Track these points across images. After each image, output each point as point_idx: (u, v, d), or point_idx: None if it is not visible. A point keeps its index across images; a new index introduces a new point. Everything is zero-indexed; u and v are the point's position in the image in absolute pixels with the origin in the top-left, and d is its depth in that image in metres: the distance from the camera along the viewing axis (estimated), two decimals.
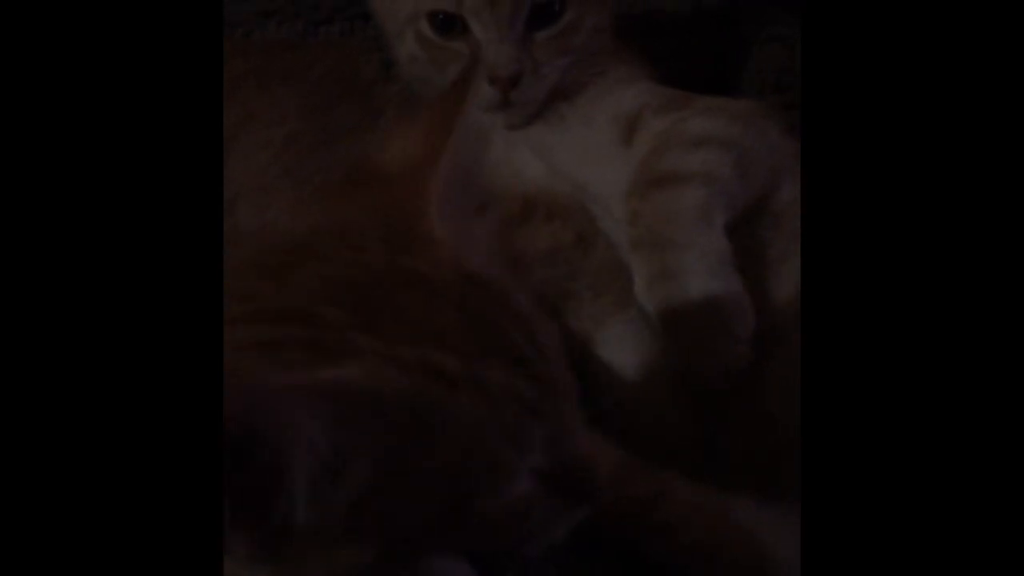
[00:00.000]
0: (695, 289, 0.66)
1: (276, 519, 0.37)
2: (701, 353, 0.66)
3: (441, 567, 0.42)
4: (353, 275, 0.41)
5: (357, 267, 0.42)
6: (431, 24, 0.75)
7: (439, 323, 0.40)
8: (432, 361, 0.39)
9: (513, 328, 0.42)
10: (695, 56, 0.90)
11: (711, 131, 0.73)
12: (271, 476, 0.36)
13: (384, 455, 0.38)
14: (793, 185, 0.74)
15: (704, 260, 0.66)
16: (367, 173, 0.48)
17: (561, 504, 0.43)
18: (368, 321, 0.39)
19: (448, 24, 0.74)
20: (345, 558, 0.39)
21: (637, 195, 0.70)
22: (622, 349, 0.71)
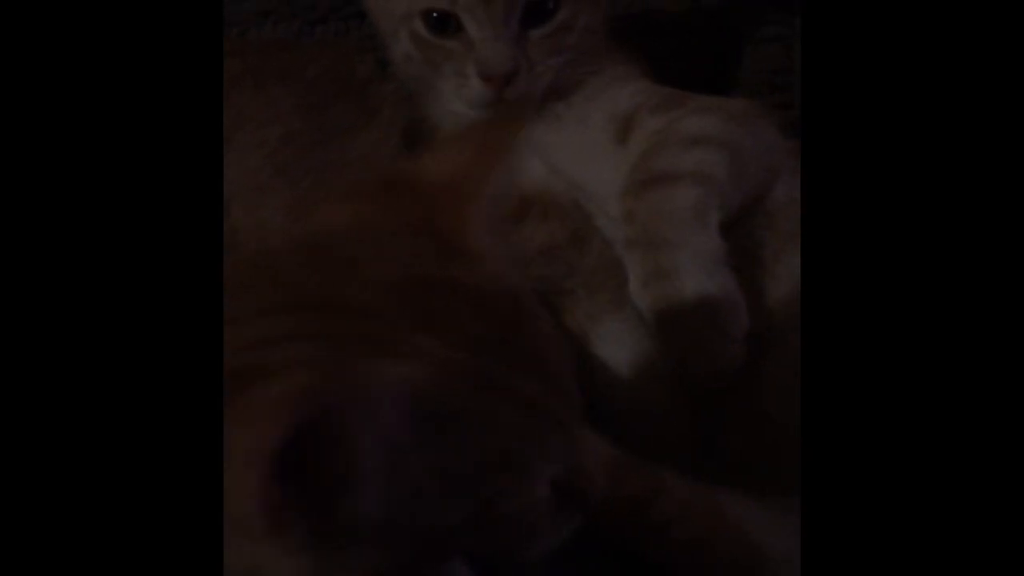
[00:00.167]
0: (689, 289, 0.66)
1: (340, 508, 0.37)
2: (695, 352, 0.66)
3: (448, 568, 0.43)
4: (410, 278, 0.42)
5: (413, 271, 0.42)
6: (425, 23, 0.75)
7: (485, 334, 0.41)
8: (480, 369, 0.40)
9: (542, 343, 0.43)
10: (691, 55, 0.91)
11: (706, 131, 0.73)
12: (342, 464, 0.36)
13: (432, 455, 0.38)
14: (788, 184, 0.74)
15: (698, 260, 0.66)
16: (405, 182, 0.48)
17: (563, 511, 0.44)
18: (425, 324, 0.40)
19: (442, 23, 0.74)
20: (379, 556, 0.39)
21: (632, 194, 0.70)
22: (618, 347, 0.71)
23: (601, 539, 0.58)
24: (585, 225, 0.74)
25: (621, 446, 0.61)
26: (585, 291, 0.72)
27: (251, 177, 0.74)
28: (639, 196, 0.70)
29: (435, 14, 0.74)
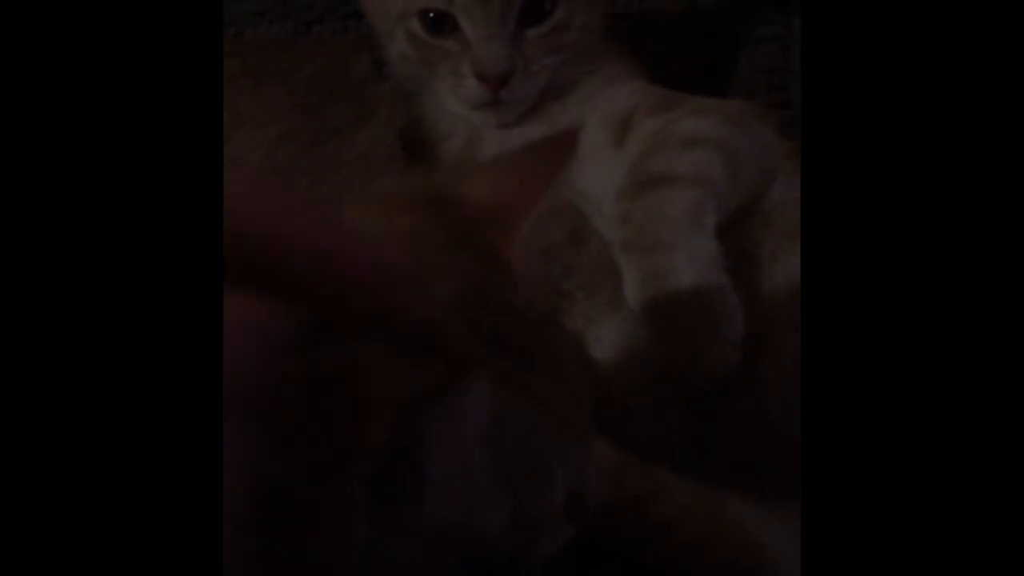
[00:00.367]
0: (684, 291, 0.66)
1: (411, 509, 0.37)
2: (690, 355, 0.66)
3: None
4: (468, 295, 0.41)
5: (470, 288, 0.42)
6: (422, 23, 0.75)
7: (526, 348, 0.41)
8: (524, 380, 0.40)
9: (570, 360, 0.44)
10: (688, 55, 0.91)
11: (703, 132, 0.73)
12: (415, 467, 0.37)
13: (489, 459, 0.39)
14: (785, 185, 0.74)
15: (694, 262, 0.66)
16: (452, 199, 0.47)
17: (566, 520, 0.44)
18: (482, 341, 0.40)
19: (439, 22, 0.74)
20: (426, 554, 0.39)
21: (628, 196, 0.70)
22: (615, 348, 0.71)
23: (601, 539, 0.58)
24: (583, 226, 0.74)
25: (619, 446, 0.61)
26: (583, 292, 0.73)
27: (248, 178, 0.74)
28: (635, 198, 0.70)
29: (432, 14, 0.74)
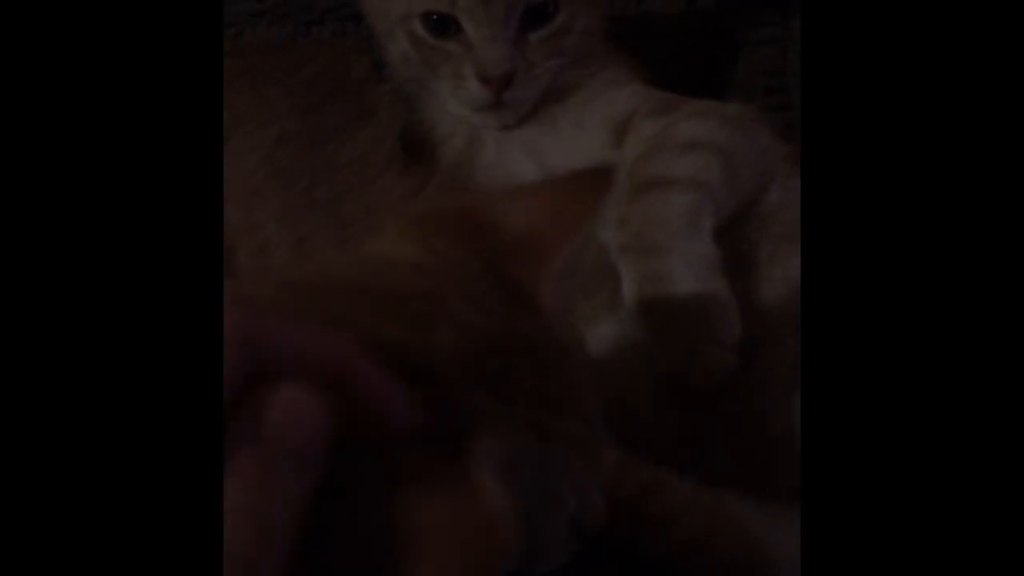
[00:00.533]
0: (681, 294, 0.66)
1: None
2: (687, 358, 0.66)
3: None
4: (480, 336, 0.41)
5: (482, 328, 0.42)
6: (424, 24, 0.75)
7: (544, 388, 0.41)
8: (541, 423, 0.40)
9: (582, 388, 0.44)
10: (687, 57, 0.91)
11: (700, 136, 0.73)
12: None
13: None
14: (782, 187, 0.75)
15: (691, 265, 0.67)
16: (477, 222, 0.47)
17: (569, 542, 0.45)
18: (491, 384, 0.40)
19: (442, 25, 0.74)
20: None
21: (626, 199, 0.70)
22: (614, 349, 0.71)
23: (601, 539, 0.58)
24: None
25: (618, 446, 0.61)
26: (581, 294, 0.73)
27: (247, 179, 0.74)
28: (633, 201, 0.70)
29: (434, 16, 0.74)
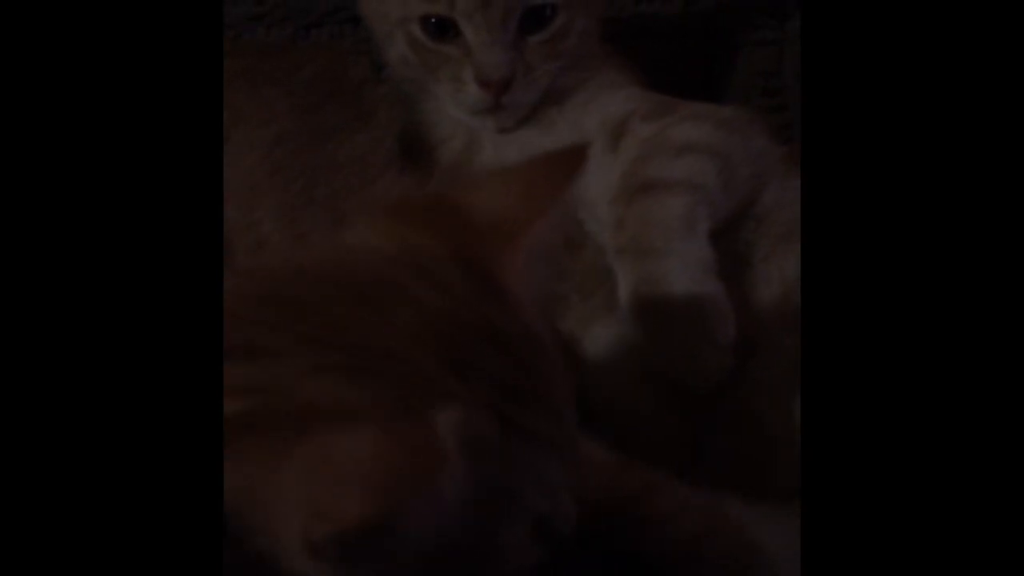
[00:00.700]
0: (677, 297, 0.66)
1: (387, 541, 0.37)
2: (682, 359, 0.67)
3: None
4: (443, 320, 0.41)
5: (446, 313, 0.42)
6: (423, 28, 0.75)
7: (505, 375, 0.41)
8: (505, 410, 0.40)
9: (552, 380, 0.44)
10: (683, 59, 0.91)
11: (696, 138, 0.73)
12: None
13: (466, 488, 0.39)
14: (777, 188, 0.75)
15: (687, 268, 0.67)
16: (446, 208, 0.47)
17: (535, 545, 0.44)
18: (455, 368, 0.40)
19: (440, 28, 0.74)
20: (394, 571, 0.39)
21: (623, 201, 0.71)
22: (610, 350, 0.72)
23: (598, 538, 0.58)
24: (578, 229, 0.74)
25: (614, 447, 0.62)
26: (578, 295, 0.73)
27: (246, 177, 0.74)
28: (629, 203, 0.70)
29: (433, 19, 0.74)
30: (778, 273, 0.72)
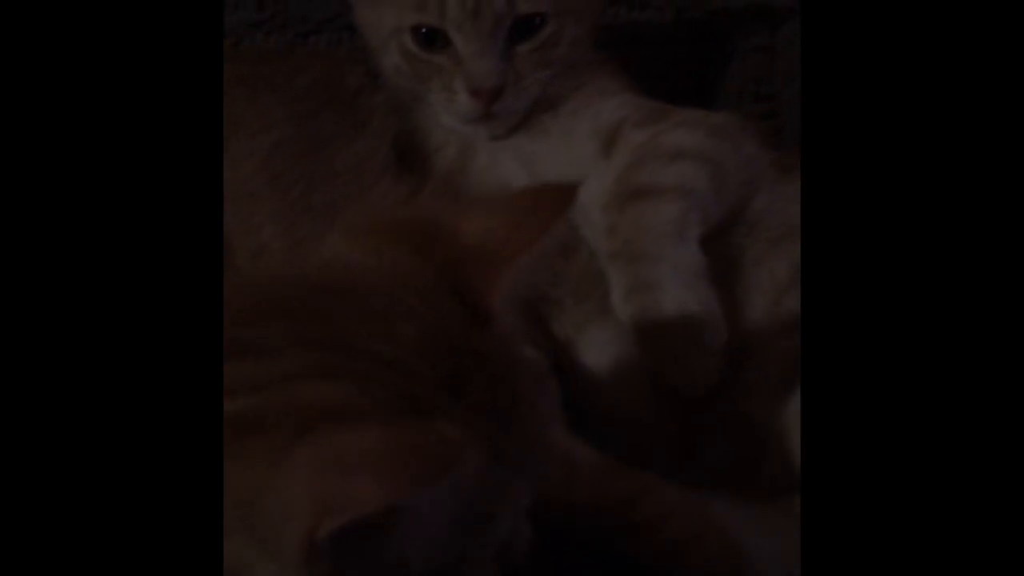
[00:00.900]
0: (669, 302, 0.67)
1: (379, 555, 0.38)
2: (673, 364, 0.68)
3: None
4: (438, 337, 0.42)
5: (441, 330, 0.42)
6: (414, 38, 0.75)
7: (494, 403, 0.42)
8: (492, 438, 0.40)
9: (528, 404, 0.44)
10: (675, 66, 0.91)
11: (688, 145, 0.74)
12: (391, 524, 0.38)
13: (450, 508, 0.39)
14: (768, 194, 0.75)
15: (678, 273, 0.68)
16: (435, 231, 0.47)
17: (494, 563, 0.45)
18: (449, 385, 0.40)
19: (431, 38, 0.74)
20: None
21: (615, 207, 0.71)
22: (603, 354, 0.72)
23: (584, 540, 0.59)
24: (572, 234, 0.74)
25: (605, 450, 0.62)
26: (572, 299, 0.74)
27: (244, 182, 0.74)
28: (622, 209, 0.71)
29: (424, 29, 0.74)
30: (769, 277, 0.72)
